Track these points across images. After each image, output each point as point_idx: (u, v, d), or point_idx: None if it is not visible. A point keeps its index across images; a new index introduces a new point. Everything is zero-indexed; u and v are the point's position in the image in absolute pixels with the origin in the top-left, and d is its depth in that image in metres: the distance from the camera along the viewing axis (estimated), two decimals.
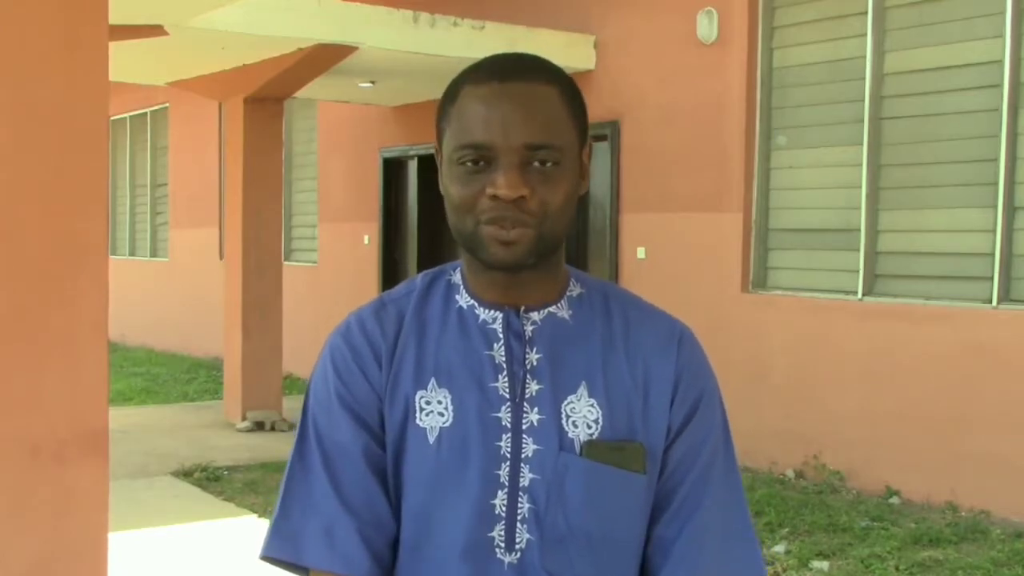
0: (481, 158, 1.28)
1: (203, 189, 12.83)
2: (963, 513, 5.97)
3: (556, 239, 1.32)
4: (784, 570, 5.07)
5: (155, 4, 6.21)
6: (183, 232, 13.42)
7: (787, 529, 5.68)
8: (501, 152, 1.27)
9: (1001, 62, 6.03)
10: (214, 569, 5.12)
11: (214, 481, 6.75)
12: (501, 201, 1.27)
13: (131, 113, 14.39)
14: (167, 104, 13.47)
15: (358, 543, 1.32)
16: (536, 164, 1.28)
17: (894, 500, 6.27)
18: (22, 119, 2.46)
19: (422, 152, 9.93)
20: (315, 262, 11.44)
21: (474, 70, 1.33)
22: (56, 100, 2.49)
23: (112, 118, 13.69)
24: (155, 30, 6.72)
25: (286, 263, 10.32)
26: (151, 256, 14.30)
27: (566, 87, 1.34)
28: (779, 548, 5.34)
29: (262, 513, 5.96)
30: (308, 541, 1.33)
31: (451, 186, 1.32)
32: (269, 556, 1.37)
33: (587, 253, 8.53)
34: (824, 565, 5.10)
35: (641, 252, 7.95)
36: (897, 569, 5.05)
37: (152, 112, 14.07)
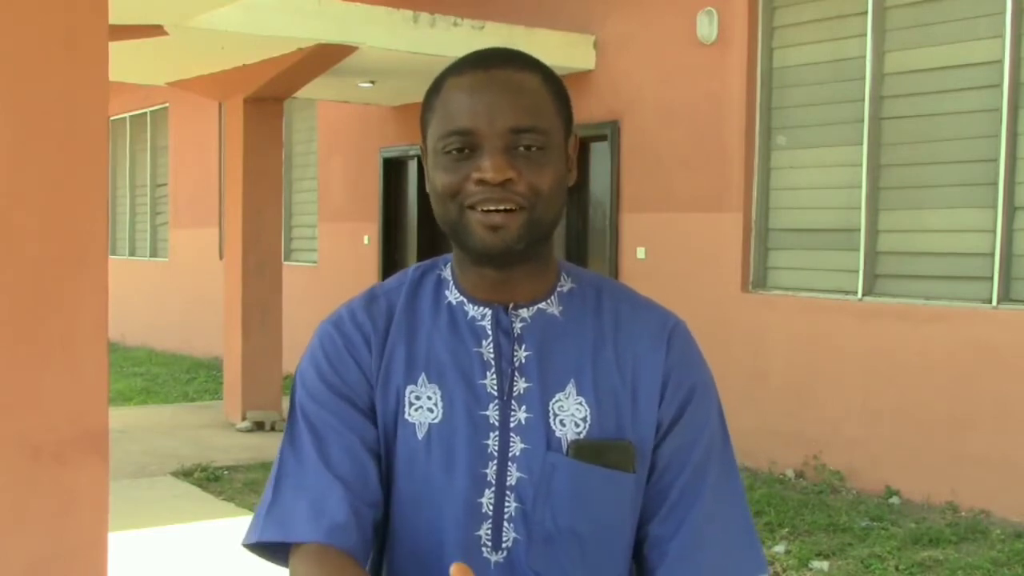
0: (466, 145, 1.27)
1: (203, 189, 12.82)
2: (963, 513, 5.97)
3: (546, 225, 1.30)
4: (784, 570, 5.07)
5: (155, 4, 6.21)
6: (183, 232, 13.42)
7: (787, 529, 5.68)
8: (486, 137, 1.26)
9: (1001, 62, 6.02)
10: (214, 569, 5.12)
11: (214, 481, 6.75)
12: (487, 185, 1.25)
13: (131, 113, 14.39)
14: (167, 104, 13.47)
15: (348, 513, 1.27)
16: (521, 149, 1.27)
17: (894, 500, 6.26)
18: (22, 119, 2.46)
19: None
20: (315, 262, 11.44)
21: (457, 63, 1.33)
22: (56, 100, 2.49)
23: (112, 118, 13.70)
24: (155, 30, 6.72)
25: (286, 263, 10.32)
26: (151, 256, 14.30)
27: (549, 77, 1.33)
28: (779, 548, 5.34)
29: None
30: (298, 517, 1.28)
31: (436, 175, 1.30)
32: (253, 543, 1.31)
33: (587, 253, 8.53)
34: (824, 565, 5.10)
35: (641, 252, 7.95)
36: (897, 569, 5.05)
37: (152, 112, 14.07)
